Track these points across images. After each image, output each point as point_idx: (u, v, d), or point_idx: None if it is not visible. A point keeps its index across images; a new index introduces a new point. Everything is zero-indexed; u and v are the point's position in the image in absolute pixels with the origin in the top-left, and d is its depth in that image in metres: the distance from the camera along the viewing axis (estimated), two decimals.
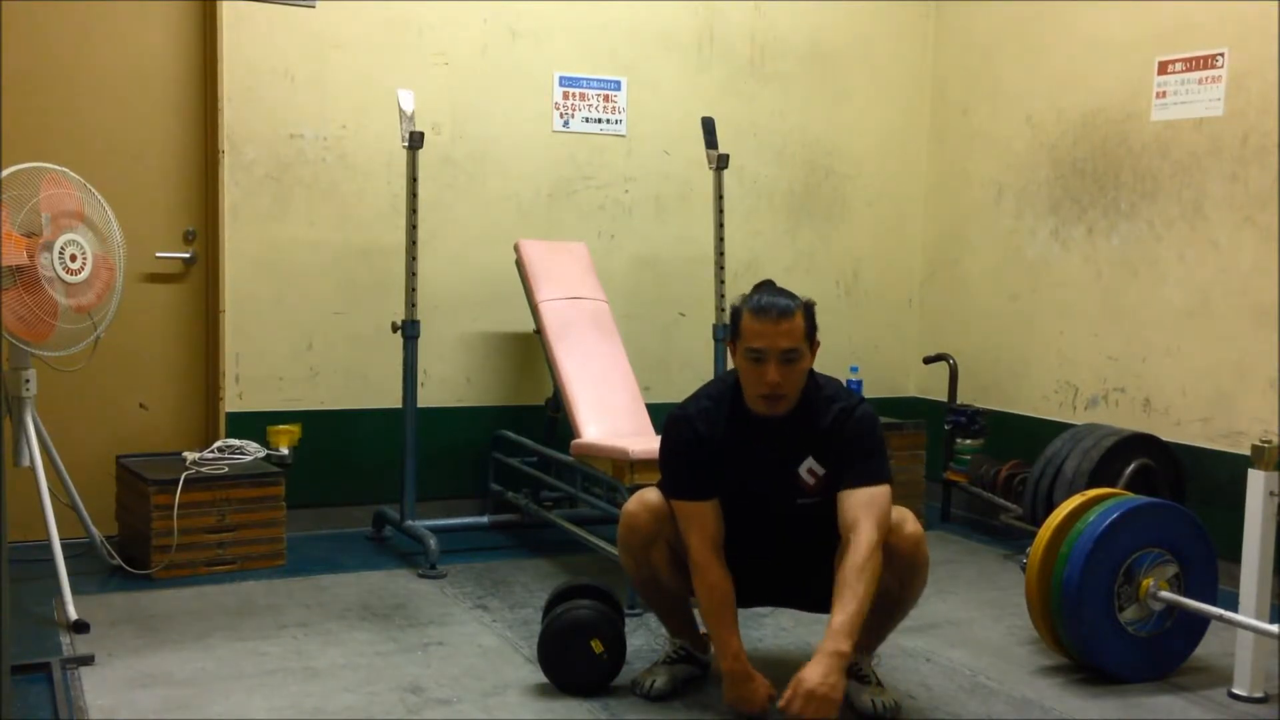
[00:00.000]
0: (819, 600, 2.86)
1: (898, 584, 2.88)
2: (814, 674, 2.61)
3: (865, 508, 2.77)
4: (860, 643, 3.02)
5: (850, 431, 2.86)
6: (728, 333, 2.95)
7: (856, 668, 2.99)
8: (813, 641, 3.09)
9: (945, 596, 3.99)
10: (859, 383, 5.02)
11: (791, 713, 2.59)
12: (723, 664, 2.85)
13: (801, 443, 2.89)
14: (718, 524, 2.87)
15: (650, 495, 2.97)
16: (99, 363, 3.98)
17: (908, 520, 2.85)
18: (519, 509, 4.55)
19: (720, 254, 4.67)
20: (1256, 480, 3.07)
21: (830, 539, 2.82)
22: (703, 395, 2.98)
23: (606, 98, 4.98)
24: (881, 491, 2.80)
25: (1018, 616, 3.65)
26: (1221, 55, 4.26)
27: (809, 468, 2.89)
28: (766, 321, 2.77)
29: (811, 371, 2.91)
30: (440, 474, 4.70)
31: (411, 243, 4.21)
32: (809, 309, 2.86)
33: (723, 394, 2.93)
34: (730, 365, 2.96)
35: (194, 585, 3.86)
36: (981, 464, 4.88)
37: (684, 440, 2.91)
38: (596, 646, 2.99)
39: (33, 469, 3.55)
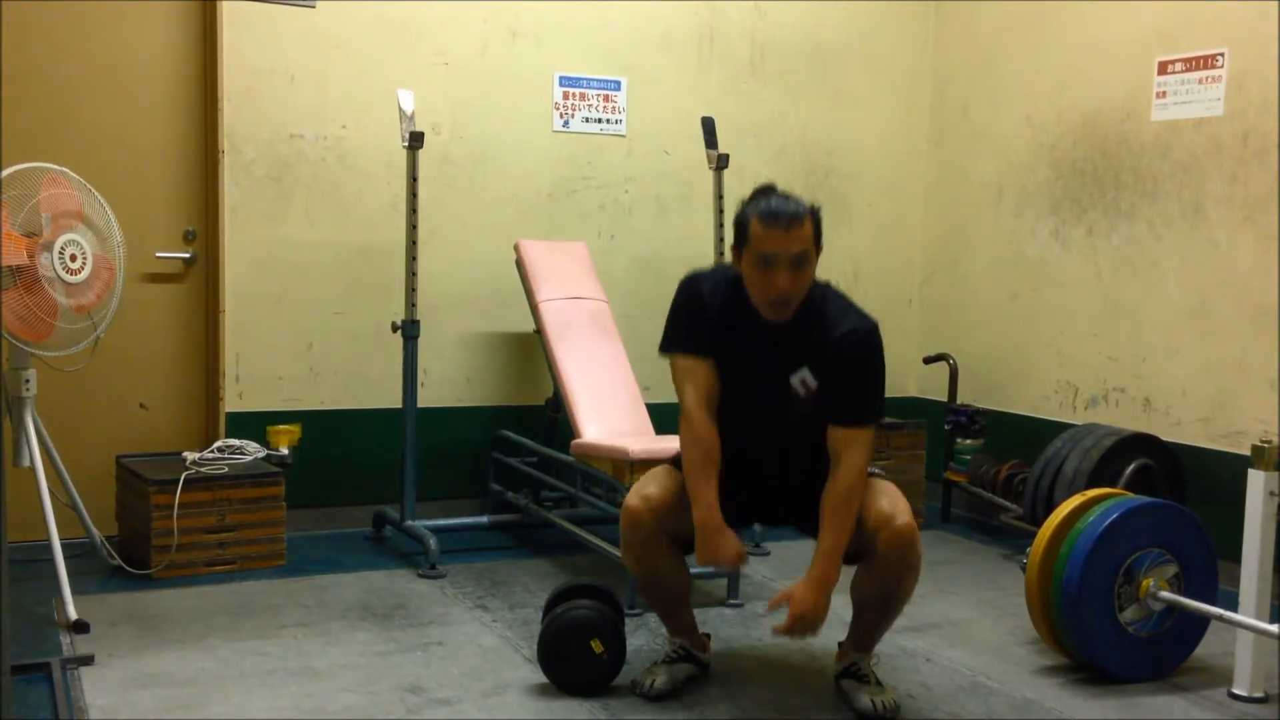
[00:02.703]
0: (816, 522, 2.87)
1: (894, 580, 2.87)
2: (806, 598, 2.77)
3: (851, 442, 2.84)
4: (858, 643, 3.03)
5: (854, 359, 2.86)
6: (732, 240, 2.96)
7: (856, 667, 2.99)
8: (812, 642, 3.10)
9: (945, 596, 3.99)
10: None
11: (781, 632, 2.80)
12: (695, 514, 2.82)
13: (798, 351, 2.89)
14: (711, 382, 2.90)
15: (651, 489, 2.94)
16: (99, 363, 3.98)
17: (899, 514, 2.82)
18: (519, 509, 4.55)
19: (720, 254, 4.67)
20: (1256, 480, 3.07)
21: (825, 457, 2.86)
22: (718, 270, 3.04)
23: (606, 98, 4.98)
24: (868, 433, 2.87)
25: (1018, 616, 3.65)
26: (1221, 55, 4.26)
27: (802, 379, 2.89)
28: (777, 228, 2.77)
29: (818, 281, 2.90)
30: (440, 474, 4.70)
31: (411, 243, 4.21)
32: (815, 213, 2.85)
33: (732, 281, 2.92)
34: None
35: (194, 585, 3.86)
36: (981, 464, 4.88)
37: (690, 300, 2.96)
38: (596, 646, 2.99)
39: (33, 469, 3.55)
